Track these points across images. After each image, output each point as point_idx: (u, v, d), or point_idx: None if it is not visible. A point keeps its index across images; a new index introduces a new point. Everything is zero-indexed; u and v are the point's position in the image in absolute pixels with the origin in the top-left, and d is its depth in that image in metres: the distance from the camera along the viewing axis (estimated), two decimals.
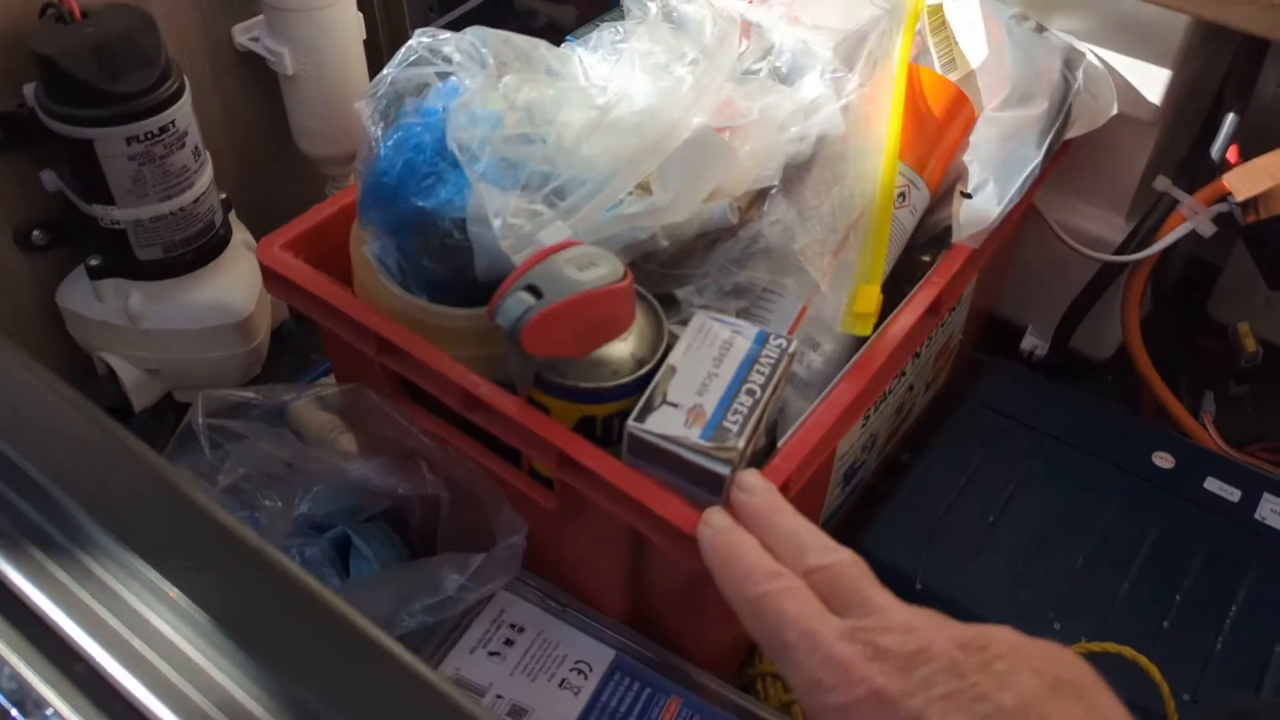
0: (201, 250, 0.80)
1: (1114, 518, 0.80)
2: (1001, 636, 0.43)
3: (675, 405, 0.59)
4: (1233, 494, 0.81)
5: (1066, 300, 0.91)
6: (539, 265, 0.58)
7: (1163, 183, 0.83)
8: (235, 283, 0.76)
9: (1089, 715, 0.40)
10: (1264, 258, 0.84)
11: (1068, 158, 0.83)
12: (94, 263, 0.78)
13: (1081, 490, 0.82)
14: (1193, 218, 0.81)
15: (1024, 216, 0.88)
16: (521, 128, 0.66)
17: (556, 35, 0.88)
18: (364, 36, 0.90)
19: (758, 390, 0.60)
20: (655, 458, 0.59)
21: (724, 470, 0.57)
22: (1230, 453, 0.89)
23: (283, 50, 0.84)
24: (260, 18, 0.86)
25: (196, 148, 0.77)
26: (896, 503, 0.81)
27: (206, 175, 0.79)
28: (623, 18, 0.77)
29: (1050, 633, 0.72)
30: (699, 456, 0.57)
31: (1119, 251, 0.84)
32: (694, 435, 0.58)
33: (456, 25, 1.21)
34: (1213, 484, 0.82)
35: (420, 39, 0.64)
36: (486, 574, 0.66)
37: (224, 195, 0.84)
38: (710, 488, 0.58)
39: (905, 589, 0.77)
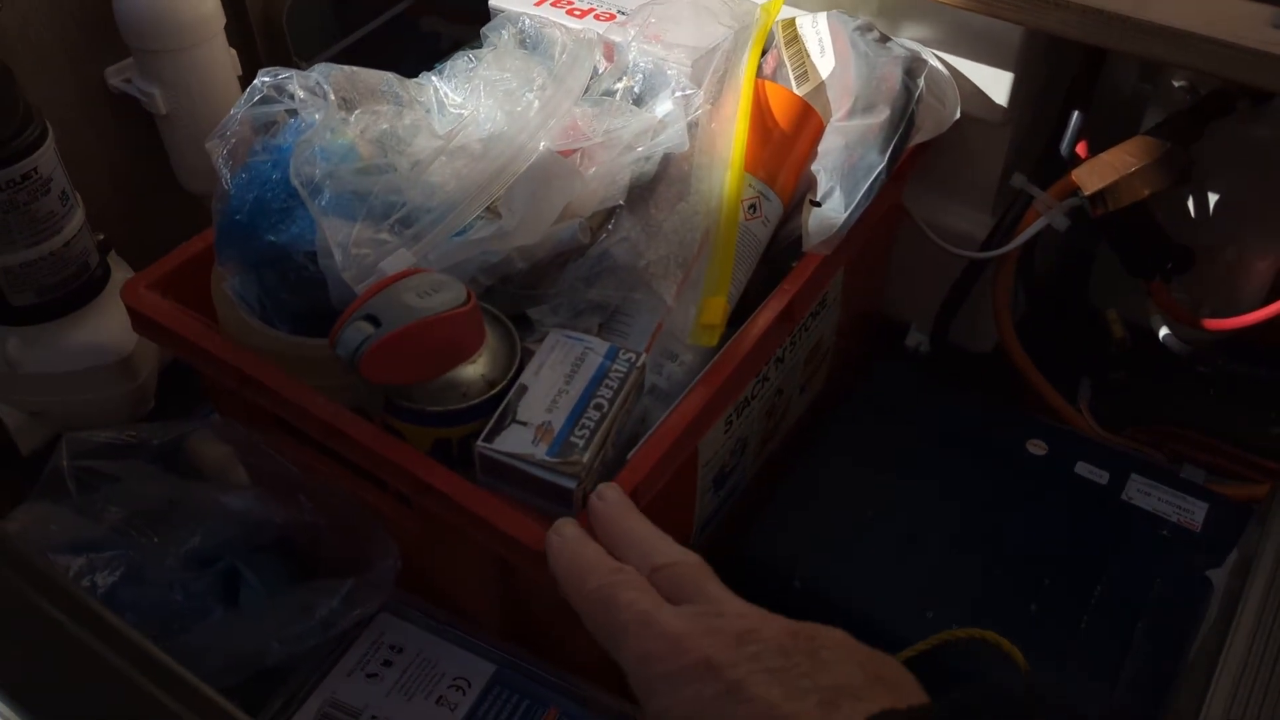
0: (77, 292, 0.81)
1: (987, 507, 0.83)
2: (832, 634, 0.45)
3: (524, 423, 0.61)
4: (1101, 476, 0.84)
5: (939, 295, 0.93)
6: (379, 294, 0.59)
7: (1019, 180, 0.85)
8: (113, 323, 0.77)
9: (901, 704, 0.42)
10: (1120, 247, 0.87)
11: (933, 159, 0.86)
12: None
13: (956, 482, 0.85)
14: (1047, 213, 0.84)
15: (895, 217, 0.91)
16: (373, 159, 0.67)
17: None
18: (239, 72, 0.91)
19: (605, 405, 0.62)
20: (506, 476, 0.61)
21: (570, 484, 0.59)
22: (1104, 436, 0.92)
23: (153, 90, 0.85)
24: (131, 59, 0.87)
25: (64, 192, 0.78)
26: (776, 503, 0.83)
27: (77, 219, 0.80)
28: (480, 45, 0.78)
29: (923, 622, 0.74)
30: (546, 472, 0.59)
31: (983, 248, 0.87)
32: (540, 452, 0.59)
33: (356, 50, 1.23)
34: (1083, 468, 0.85)
35: (263, 78, 0.66)
36: (358, 598, 0.67)
37: (101, 236, 0.85)
38: (560, 501, 0.60)
39: (783, 587, 0.79)
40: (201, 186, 0.92)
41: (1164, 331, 0.90)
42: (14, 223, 0.74)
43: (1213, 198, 0.90)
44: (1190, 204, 0.91)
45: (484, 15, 1.07)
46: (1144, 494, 0.83)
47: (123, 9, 0.82)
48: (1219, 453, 0.93)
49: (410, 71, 1.36)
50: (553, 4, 0.89)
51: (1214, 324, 0.89)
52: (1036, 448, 0.87)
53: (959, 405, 0.91)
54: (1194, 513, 0.82)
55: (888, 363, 0.96)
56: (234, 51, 0.90)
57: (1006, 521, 0.82)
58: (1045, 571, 0.79)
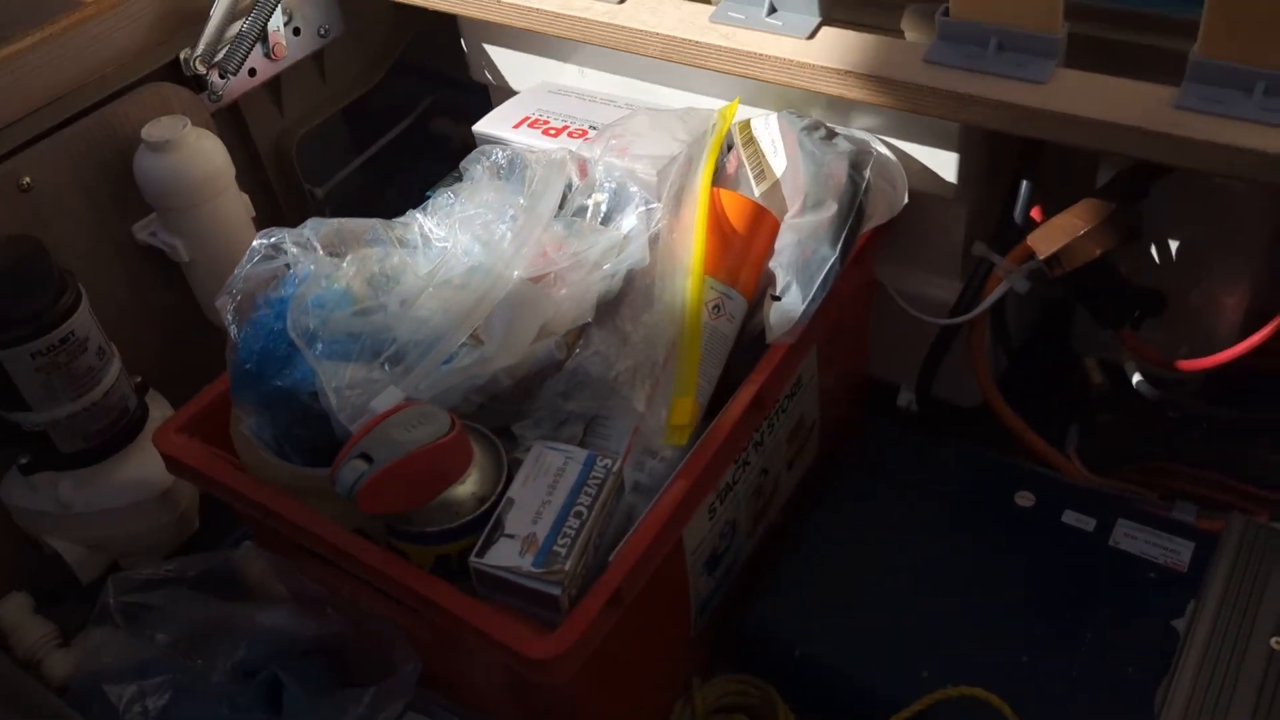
0: (119, 434, 0.89)
1: (979, 562, 0.86)
2: None
3: (512, 536, 0.67)
4: (1088, 524, 0.87)
5: (922, 356, 0.97)
6: (371, 433, 0.66)
7: (979, 248, 0.90)
8: (153, 459, 0.84)
9: None
10: (1085, 302, 0.91)
11: (898, 234, 0.90)
12: (24, 461, 0.87)
13: (949, 540, 0.89)
14: (1008, 277, 0.88)
15: (869, 290, 0.96)
16: (364, 302, 0.74)
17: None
18: (253, 214, 0.99)
19: (585, 511, 0.67)
20: (498, 586, 0.66)
21: (555, 591, 0.65)
22: (1094, 480, 0.95)
23: (176, 242, 0.94)
24: (154, 215, 0.96)
25: (100, 348, 0.86)
26: (774, 576, 0.88)
27: (114, 369, 0.88)
28: (460, 179, 0.86)
29: (918, 682, 0.78)
30: (533, 581, 0.65)
31: (952, 313, 0.91)
32: (527, 563, 0.65)
33: (370, 165, 1.31)
34: (1070, 516, 0.88)
35: (260, 240, 0.73)
36: (382, 702, 0.73)
37: (139, 378, 0.93)
38: (548, 607, 0.66)
39: (785, 658, 0.83)
40: None
41: (1137, 378, 0.93)
42: (56, 382, 0.83)
43: (1174, 244, 0.93)
44: (1154, 251, 0.95)
45: (490, 110, 1.15)
46: (1131, 538, 0.86)
47: (142, 173, 0.91)
48: (1211, 485, 0.95)
49: (425, 174, 1.44)
50: (530, 125, 0.96)
51: (1188, 365, 0.92)
52: (1024, 500, 0.90)
53: (948, 463, 0.95)
54: (1181, 553, 0.85)
55: (877, 426, 1.00)
56: (246, 196, 0.99)
57: (997, 576, 0.85)
58: (1036, 623, 0.82)
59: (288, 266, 0.75)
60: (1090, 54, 0.72)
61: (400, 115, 1.36)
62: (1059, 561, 0.85)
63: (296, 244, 0.74)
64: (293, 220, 1.16)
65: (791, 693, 0.83)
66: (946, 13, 0.73)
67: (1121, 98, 0.68)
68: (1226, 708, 0.55)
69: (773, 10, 0.81)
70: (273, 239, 0.73)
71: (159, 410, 0.95)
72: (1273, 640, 0.56)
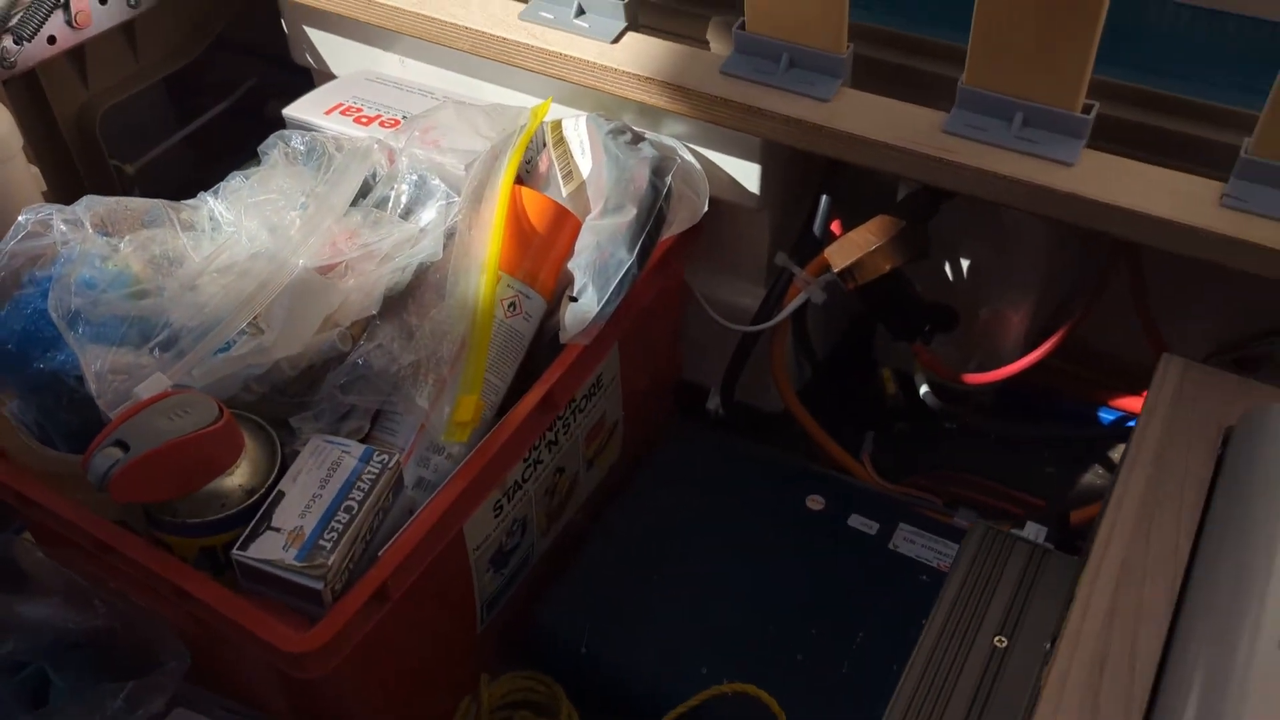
0: None
1: (765, 563, 0.89)
2: None
3: (278, 530, 0.66)
4: (871, 527, 0.91)
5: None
6: (130, 419, 0.64)
7: (781, 258, 0.93)
8: None
9: None
10: (879, 314, 0.95)
11: (707, 240, 0.92)
12: None
13: (739, 541, 0.91)
14: (806, 288, 0.91)
15: (678, 293, 0.98)
16: (142, 284, 0.72)
17: None
18: (43, 189, 0.95)
19: (356, 506, 0.67)
20: (261, 580, 0.65)
21: (317, 585, 0.64)
22: (883, 486, 0.99)
23: None
24: None
25: None
26: (566, 574, 0.89)
27: None
28: (259, 163, 0.84)
29: (698, 679, 0.80)
30: (295, 575, 0.64)
31: (754, 321, 0.94)
32: (290, 556, 0.64)
33: (193, 142, 1.26)
34: (856, 520, 0.92)
35: (26, 215, 0.70)
36: (141, 697, 0.70)
37: None
38: (311, 600, 0.65)
39: (572, 655, 0.84)
40: None
41: (924, 389, 0.97)
42: None
43: (965, 262, 0.98)
44: (947, 268, 0.99)
45: None
46: (909, 542, 0.90)
47: None
48: (991, 493, 1.01)
49: (251, 153, 1.40)
50: (342, 112, 0.94)
51: (973, 378, 0.97)
52: (815, 503, 0.93)
53: (745, 466, 0.98)
54: (951, 556, 0.89)
55: (682, 429, 1.03)
56: (36, 169, 0.94)
57: (782, 576, 0.88)
58: (814, 622, 0.85)
59: (59, 245, 0.72)
60: (877, 76, 0.76)
61: (228, 93, 1.32)
62: (841, 563, 0.88)
63: (66, 222, 0.71)
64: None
65: (577, 689, 0.84)
66: (743, 26, 0.75)
67: (898, 120, 0.71)
68: (948, 699, 0.58)
69: (581, 12, 0.81)
70: (40, 214, 0.70)
71: None
72: (995, 639, 0.60)
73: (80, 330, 0.67)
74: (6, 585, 0.81)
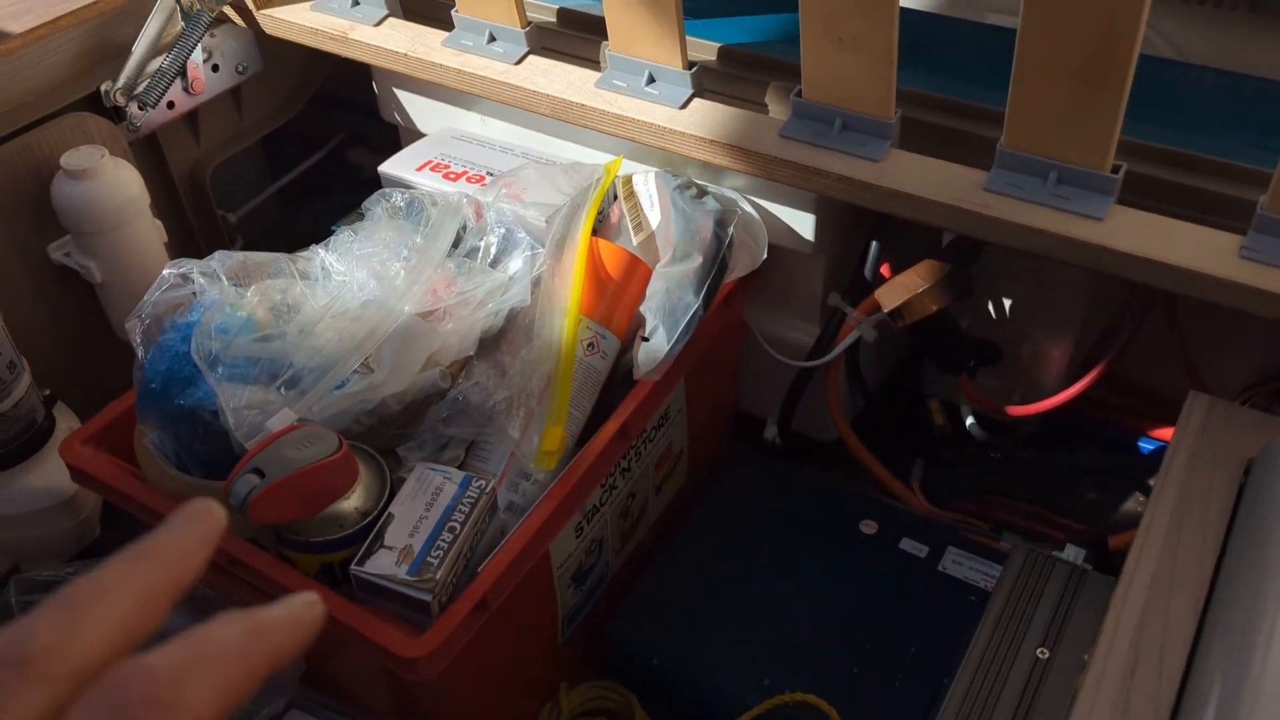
0: (26, 444, 0.94)
1: (823, 584, 0.96)
2: None
3: (390, 548, 0.74)
4: (921, 550, 0.97)
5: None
6: (264, 450, 0.73)
7: (834, 298, 1.00)
8: (58, 469, 0.89)
9: None
10: (928, 349, 1.02)
11: (764, 282, 1.00)
12: None
13: (797, 561, 0.98)
14: (858, 326, 0.98)
15: (738, 330, 1.05)
16: (266, 329, 0.81)
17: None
18: (164, 239, 1.05)
19: (458, 528, 0.75)
20: (376, 593, 0.74)
21: (426, 597, 0.72)
22: (932, 512, 1.06)
23: (89, 264, 0.99)
24: (70, 237, 1.01)
25: (11, 362, 0.91)
26: (637, 591, 0.96)
27: (23, 382, 0.93)
28: (362, 217, 0.93)
29: (761, 689, 0.87)
30: (406, 588, 0.72)
31: (809, 357, 1.01)
32: (402, 572, 0.72)
33: (285, 191, 1.36)
34: (907, 543, 0.98)
35: (169, 270, 0.80)
36: (265, 697, 0.79)
37: (47, 391, 0.98)
38: (420, 611, 0.73)
39: (644, 666, 0.92)
40: None
41: (969, 421, 1.04)
42: None
43: (1006, 301, 1.05)
44: (990, 306, 1.06)
45: (400, 145, 1.22)
46: (957, 564, 0.96)
47: (59, 199, 0.97)
48: (1035, 519, 1.07)
49: (339, 201, 1.50)
50: (432, 169, 1.03)
51: (1016, 411, 1.03)
52: (868, 527, 1.00)
53: (802, 492, 1.04)
54: (998, 577, 0.95)
55: (742, 456, 1.10)
56: (159, 222, 1.04)
57: (839, 595, 0.95)
58: (868, 637, 0.91)
59: (195, 295, 0.82)
60: (925, 137, 0.83)
61: (317, 144, 1.42)
62: (893, 583, 0.95)
63: (203, 274, 0.80)
64: (206, 244, 1.23)
65: (649, 699, 0.91)
66: (800, 94, 0.83)
67: (942, 178, 0.78)
68: (994, 705, 0.64)
69: (651, 80, 0.90)
70: (181, 269, 0.80)
71: (66, 422, 1.00)
72: (1038, 650, 0.66)
73: (219, 371, 0.76)
74: None
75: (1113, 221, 0.73)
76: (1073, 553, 0.73)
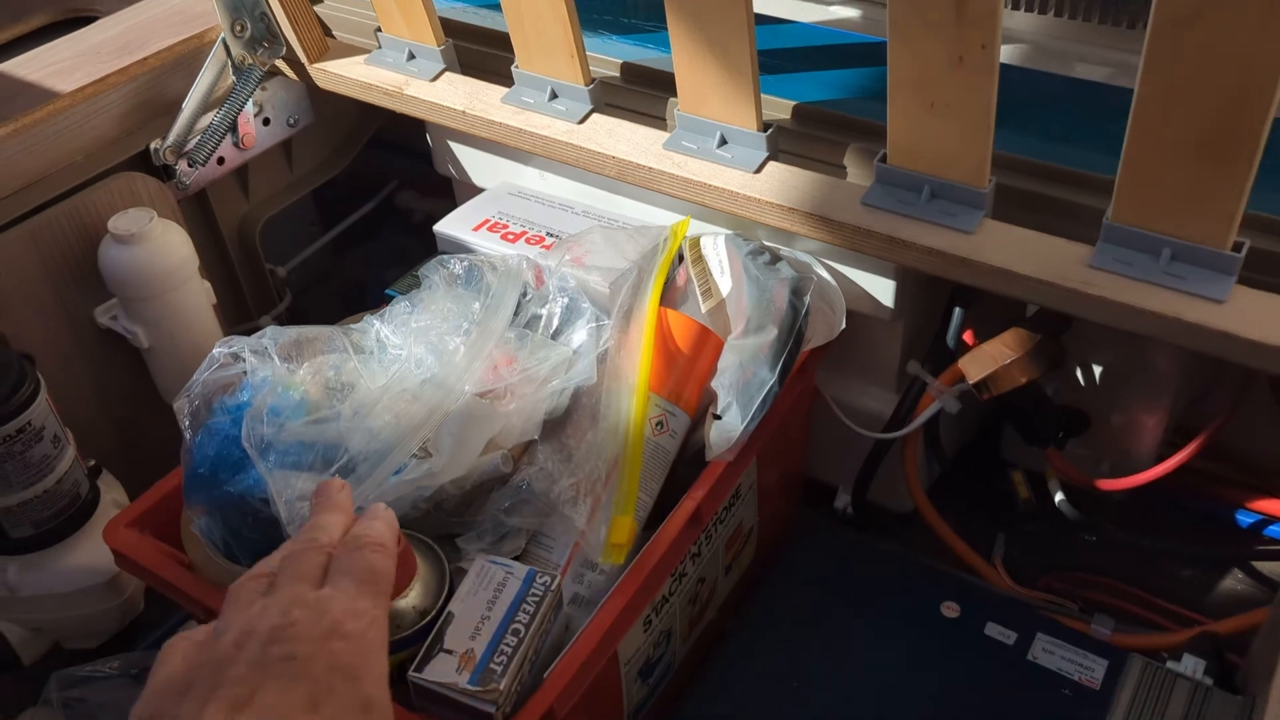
0: (69, 521, 0.91)
1: (903, 669, 0.89)
2: None
3: (450, 652, 0.69)
4: (1009, 636, 0.91)
5: (860, 462, 1.01)
6: None
7: (914, 367, 0.94)
8: (102, 545, 0.85)
9: None
10: (1013, 421, 0.96)
11: (839, 348, 0.94)
12: None
13: (875, 645, 0.92)
14: (940, 397, 0.93)
15: (810, 397, 1.00)
16: (320, 410, 0.77)
17: (430, 230, 0.99)
18: (213, 301, 1.02)
19: (523, 629, 0.70)
20: (435, 700, 0.69)
21: (489, 709, 0.67)
22: (1017, 591, 0.99)
23: (136, 329, 0.96)
24: (116, 301, 0.98)
25: (55, 436, 0.88)
26: (708, 676, 0.90)
27: (68, 457, 0.90)
28: (418, 283, 0.89)
29: None
30: (469, 699, 0.67)
31: (887, 428, 0.95)
32: (463, 680, 0.67)
33: (345, 243, 1.33)
34: (993, 629, 0.92)
35: (220, 348, 0.76)
36: None
37: (92, 463, 0.95)
38: None
39: None
40: None
41: (1059, 497, 0.98)
42: (10, 470, 0.84)
43: (1097, 368, 0.98)
44: (1079, 374, 1.00)
45: (451, 188, 1.18)
46: (1048, 653, 0.90)
47: (106, 263, 0.93)
48: (1129, 599, 1.00)
49: (388, 244, 1.45)
50: (489, 229, 0.99)
51: (1107, 485, 0.97)
52: (950, 610, 0.94)
53: (879, 568, 0.98)
54: (1094, 670, 0.89)
55: (813, 528, 1.04)
56: (208, 284, 1.01)
57: (919, 682, 0.89)
58: None
59: (244, 374, 0.78)
60: (1017, 204, 0.77)
61: (366, 188, 1.39)
62: (980, 673, 0.89)
63: (254, 352, 0.76)
64: (255, 300, 1.19)
65: None
66: (884, 159, 0.78)
67: (1041, 253, 0.72)
68: None
69: (723, 142, 0.85)
70: (232, 347, 0.76)
71: (111, 493, 0.97)
72: None
73: (270, 460, 0.72)
74: None
75: (1235, 304, 0.67)
76: (1191, 664, 0.67)
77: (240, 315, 1.18)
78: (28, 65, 1.01)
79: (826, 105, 0.87)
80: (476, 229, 1.00)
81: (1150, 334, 0.69)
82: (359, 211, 1.32)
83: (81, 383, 1.00)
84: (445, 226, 1.01)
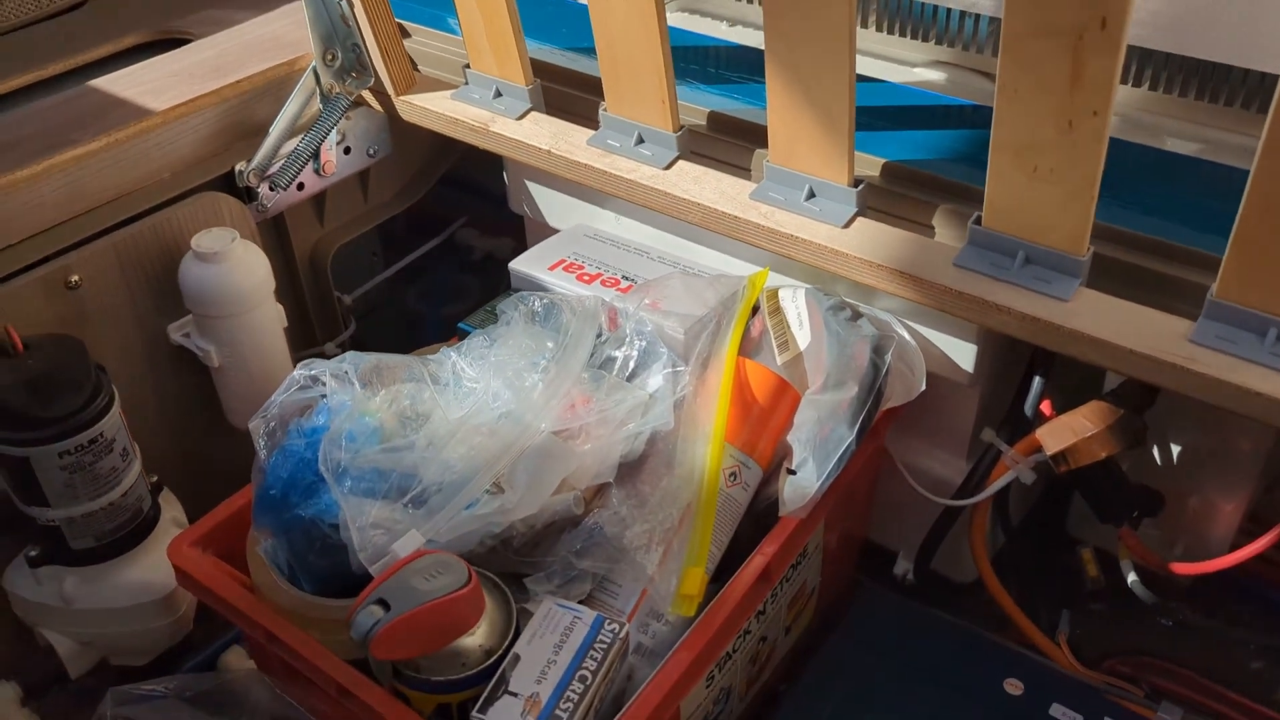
0: (130, 535, 0.90)
1: None
2: None
3: (515, 695, 0.68)
4: (1075, 719, 0.88)
5: (924, 528, 0.99)
6: (390, 579, 0.67)
7: (988, 434, 0.92)
8: (160, 562, 0.85)
9: None
10: (1087, 497, 0.93)
11: (912, 410, 0.92)
12: (32, 553, 0.88)
13: (936, 718, 0.89)
14: (1015, 467, 0.91)
15: (878, 458, 0.98)
16: (394, 439, 0.76)
17: (494, 266, 0.98)
18: (284, 324, 1.02)
19: (590, 676, 0.68)
20: None
21: None
22: (1082, 672, 0.96)
23: (209, 347, 0.96)
24: (190, 317, 0.98)
25: (124, 449, 0.88)
26: None
27: (134, 471, 0.89)
28: (496, 319, 0.88)
29: None
30: None
31: (957, 494, 0.93)
32: None
33: (404, 275, 1.33)
34: (1058, 710, 0.89)
35: (300, 371, 0.76)
36: None
37: (154, 479, 0.94)
38: None
39: None
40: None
41: (1132, 578, 0.95)
42: (78, 481, 0.84)
43: (1176, 448, 0.96)
44: (1156, 452, 0.97)
45: (512, 229, 1.18)
46: None
47: (186, 280, 0.94)
48: (1197, 688, 0.97)
49: (444, 279, 1.45)
50: (565, 269, 0.99)
51: (1182, 569, 0.94)
52: (1013, 687, 0.91)
53: (940, 639, 0.96)
54: None
55: (872, 594, 1.02)
56: (281, 307, 1.01)
57: None
58: None
59: (322, 396, 0.77)
60: (1105, 273, 0.76)
61: (430, 223, 1.40)
62: None
63: (334, 376, 0.76)
64: (321, 326, 1.19)
65: None
66: (979, 221, 0.77)
67: (1140, 326, 0.71)
68: None
69: (812, 195, 0.84)
70: (312, 370, 0.76)
71: (170, 511, 0.96)
72: None
73: (346, 485, 0.71)
74: (230, 713, 0.85)
75: None
76: None
77: (306, 340, 1.18)
78: (122, 82, 1.03)
79: (916, 164, 0.86)
80: (552, 268, 0.99)
81: (1252, 415, 0.67)
82: (427, 244, 1.33)
83: (148, 398, 1.00)
84: (521, 264, 1.00)
